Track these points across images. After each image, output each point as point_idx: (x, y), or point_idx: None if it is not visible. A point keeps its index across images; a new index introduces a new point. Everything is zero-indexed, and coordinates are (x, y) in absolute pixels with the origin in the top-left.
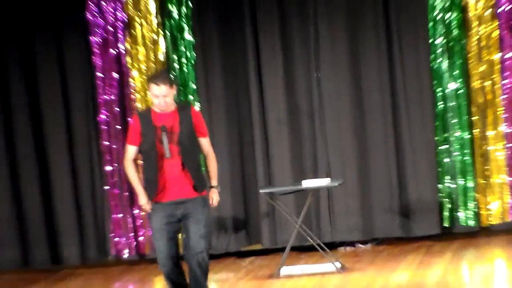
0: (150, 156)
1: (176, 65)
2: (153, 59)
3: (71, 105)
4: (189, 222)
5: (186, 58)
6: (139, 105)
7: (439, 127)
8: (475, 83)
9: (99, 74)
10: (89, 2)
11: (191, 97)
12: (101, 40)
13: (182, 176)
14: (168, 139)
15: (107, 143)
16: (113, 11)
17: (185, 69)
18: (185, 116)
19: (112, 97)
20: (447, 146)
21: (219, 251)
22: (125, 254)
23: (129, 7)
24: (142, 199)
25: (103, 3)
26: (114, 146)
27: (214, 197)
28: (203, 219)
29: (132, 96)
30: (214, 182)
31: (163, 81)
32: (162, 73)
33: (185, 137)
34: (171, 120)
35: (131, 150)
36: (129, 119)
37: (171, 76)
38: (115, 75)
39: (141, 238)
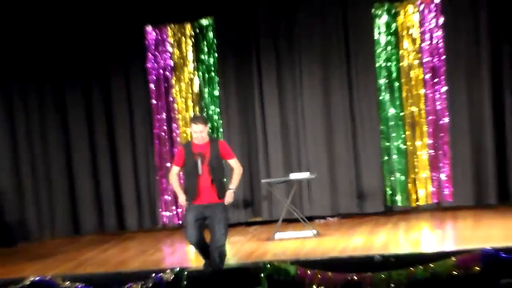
0: (190, 173)
1: (206, 95)
2: (191, 92)
3: (134, 121)
4: (213, 222)
5: (212, 89)
6: (180, 122)
7: (383, 138)
8: (408, 109)
9: (153, 101)
10: (149, 53)
11: (216, 117)
12: (156, 78)
13: (210, 187)
14: (201, 162)
15: (157, 147)
16: (163, 60)
17: (210, 98)
18: (214, 147)
19: (164, 116)
20: (389, 151)
21: (233, 222)
22: (169, 223)
23: (175, 56)
24: (181, 198)
25: (158, 54)
26: (165, 150)
27: (228, 196)
28: (223, 220)
29: (176, 116)
30: (231, 186)
31: (200, 121)
32: (199, 116)
33: (213, 161)
34: (204, 149)
35: (175, 169)
36: (175, 138)
37: (205, 117)
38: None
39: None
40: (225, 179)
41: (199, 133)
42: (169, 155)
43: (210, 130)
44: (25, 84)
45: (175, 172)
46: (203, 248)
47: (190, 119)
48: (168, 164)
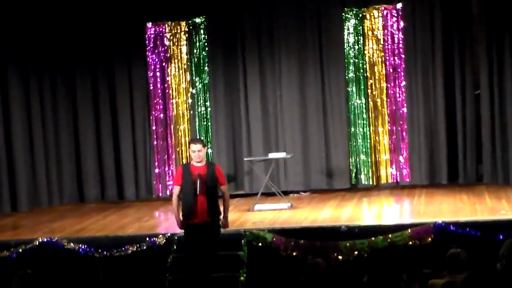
0: (187, 193)
1: (197, 84)
2: (184, 81)
3: (134, 105)
4: (206, 238)
5: (202, 79)
6: (174, 106)
7: (350, 124)
8: (371, 100)
9: (151, 87)
10: (149, 46)
11: (207, 103)
12: (154, 68)
13: (205, 207)
14: (199, 182)
15: (154, 127)
16: (161, 52)
17: (201, 86)
18: (211, 169)
19: (160, 101)
20: (355, 136)
21: (219, 194)
22: (162, 195)
23: (171, 49)
24: (179, 225)
25: (156, 47)
26: (160, 130)
27: (225, 222)
28: (215, 237)
29: (171, 101)
30: (225, 215)
31: (198, 142)
32: (198, 138)
33: (210, 183)
34: (202, 170)
35: (177, 189)
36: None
37: (203, 140)
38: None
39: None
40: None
41: (197, 152)
42: (164, 134)
43: (208, 151)
44: (40, 71)
45: (176, 193)
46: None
47: (189, 141)
48: (160, 142)
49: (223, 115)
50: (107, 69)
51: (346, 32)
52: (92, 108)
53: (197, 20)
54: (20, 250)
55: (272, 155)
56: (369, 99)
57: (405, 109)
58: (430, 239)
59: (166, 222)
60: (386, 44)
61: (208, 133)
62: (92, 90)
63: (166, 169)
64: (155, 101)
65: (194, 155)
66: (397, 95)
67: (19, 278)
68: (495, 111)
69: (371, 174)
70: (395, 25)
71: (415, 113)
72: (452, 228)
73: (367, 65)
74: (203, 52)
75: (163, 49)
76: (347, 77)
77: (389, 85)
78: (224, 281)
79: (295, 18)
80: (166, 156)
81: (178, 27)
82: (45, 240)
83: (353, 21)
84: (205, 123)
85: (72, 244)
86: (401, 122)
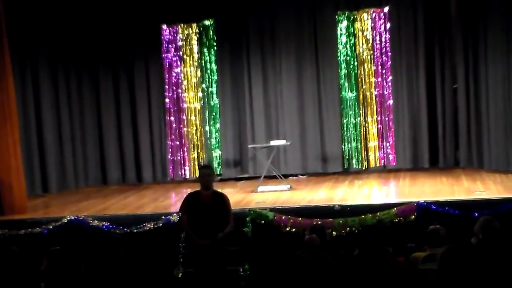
0: (195, 219)
1: (206, 79)
2: (195, 76)
3: (151, 98)
4: (213, 254)
5: (211, 75)
6: (186, 99)
7: (343, 114)
8: (362, 93)
9: (166, 82)
10: (164, 45)
11: (214, 96)
12: (168, 65)
13: (211, 232)
14: (207, 209)
15: (168, 118)
16: (174, 51)
17: (210, 81)
18: (218, 198)
19: (173, 94)
20: (347, 125)
21: (226, 177)
22: (176, 178)
23: (183, 48)
24: (201, 241)
25: (170, 46)
26: (172, 118)
27: (220, 235)
28: (221, 255)
29: (183, 94)
30: (223, 231)
31: (207, 168)
32: (207, 165)
33: (216, 210)
34: (209, 198)
35: (185, 217)
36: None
37: (213, 169)
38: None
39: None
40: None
41: (206, 177)
42: (177, 124)
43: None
44: (68, 68)
45: (186, 221)
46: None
47: (199, 167)
48: (174, 126)
49: (230, 106)
50: (127, 66)
51: (339, 33)
52: (114, 101)
53: (207, 22)
54: (51, 227)
55: (273, 142)
56: (360, 93)
57: (391, 102)
58: (413, 217)
59: (179, 202)
60: (375, 43)
61: (216, 123)
62: (114, 85)
63: (179, 154)
64: (169, 95)
65: (202, 180)
66: (384, 89)
67: (50, 254)
68: (470, 103)
69: (361, 159)
70: (382, 26)
71: (400, 105)
72: (433, 207)
73: (358, 62)
74: (212, 51)
75: (176, 48)
76: (340, 73)
77: (377, 80)
78: (232, 255)
79: (294, 20)
80: (179, 143)
81: (190, 29)
82: (73, 218)
83: (345, 23)
84: (214, 114)
85: (96, 221)
86: (388, 113)
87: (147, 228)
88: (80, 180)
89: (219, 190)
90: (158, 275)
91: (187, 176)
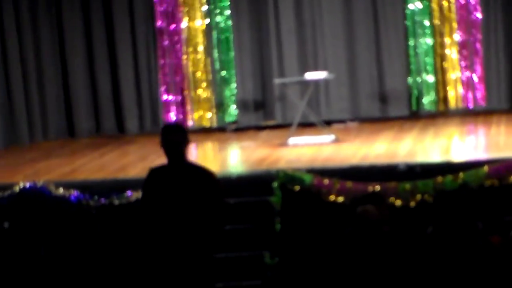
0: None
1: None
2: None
3: (135, 13)
4: None
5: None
6: (185, 15)
7: (409, 34)
8: (435, 2)
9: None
10: None
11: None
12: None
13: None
14: None
15: (159, 42)
16: None
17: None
18: (196, 178)
19: (167, 9)
20: (415, 49)
21: (243, 125)
22: None
23: None
24: None
25: None
26: (168, 46)
27: None
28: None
29: (179, 8)
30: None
31: (175, 131)
32: (174, 125)
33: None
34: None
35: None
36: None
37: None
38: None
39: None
40: None
41: (174, 144)
42: (173, 51)
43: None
44: None
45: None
46: None
47: (162, 129)
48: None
49: (247, 25)
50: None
51: None
52: (82, 20)
53: None
54: None
55: (309, 76)
56: (432, 2)
57: (479, 14)
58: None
59: None
60: None
61: (229, 49)
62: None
63: (176, 95)
64: (161, 9)
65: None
66: None
67: None
68: None
69: (437, 98)
70: None
71: (492, 20)
72: None
73: None
74: None
75: None
76: None
77: None
78: (250, 234)
79: None
80: (176, 78)
81: None
82: (27, 185)
83: None
84: (225, 35)
85: (61, 189)
86: (474, 31)
87: (132, 198)
88: (36, 131)
89: (202, 165)
90: (146, 261)
91: (190, 124)
